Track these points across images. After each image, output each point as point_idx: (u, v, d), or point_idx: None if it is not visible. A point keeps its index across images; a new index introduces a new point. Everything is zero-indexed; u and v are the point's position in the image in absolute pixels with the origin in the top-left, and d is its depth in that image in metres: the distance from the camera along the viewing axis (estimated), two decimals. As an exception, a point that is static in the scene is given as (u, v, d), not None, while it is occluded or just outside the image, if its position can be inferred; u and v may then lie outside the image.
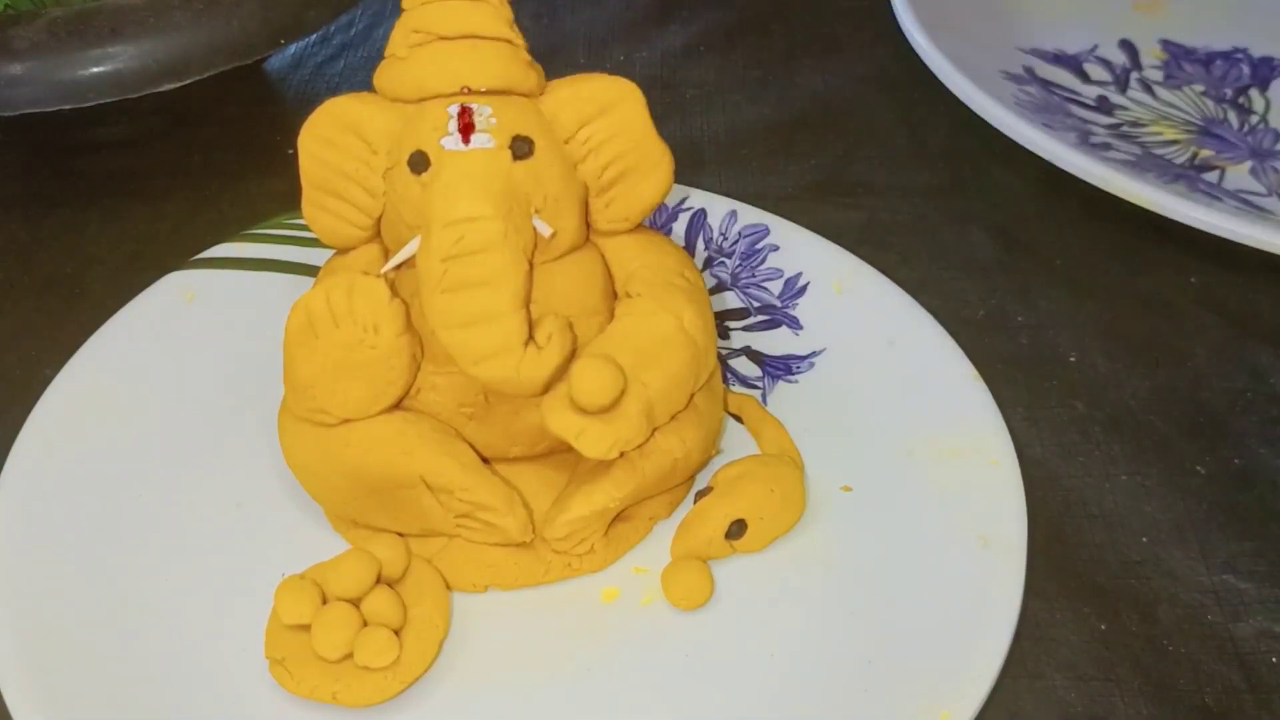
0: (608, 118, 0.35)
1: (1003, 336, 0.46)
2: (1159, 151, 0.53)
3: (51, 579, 0.36)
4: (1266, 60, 0.59)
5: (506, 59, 0.34)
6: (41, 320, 0.47)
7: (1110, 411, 0.43)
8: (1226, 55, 0.60)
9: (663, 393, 0.35)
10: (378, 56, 0.36)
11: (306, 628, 0.34)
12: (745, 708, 0.34)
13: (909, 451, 0.40)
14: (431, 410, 0.36)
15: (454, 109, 0.34)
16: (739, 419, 0.42)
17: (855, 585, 0.36)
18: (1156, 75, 0.59)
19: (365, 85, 0.36)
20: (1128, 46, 0.60)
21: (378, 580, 0.35)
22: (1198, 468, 0.41)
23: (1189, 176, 0.52)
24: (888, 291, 0.44)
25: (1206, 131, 0.55)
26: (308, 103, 0.57)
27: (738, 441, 0.41)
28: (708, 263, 0.47)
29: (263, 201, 0.51)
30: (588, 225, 0.37)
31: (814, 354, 0.43)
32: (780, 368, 0.43)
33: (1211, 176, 0.52)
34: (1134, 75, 0.58)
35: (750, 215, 0.48)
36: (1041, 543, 0.38)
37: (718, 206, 0.48)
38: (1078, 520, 0.40)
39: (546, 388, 0.34)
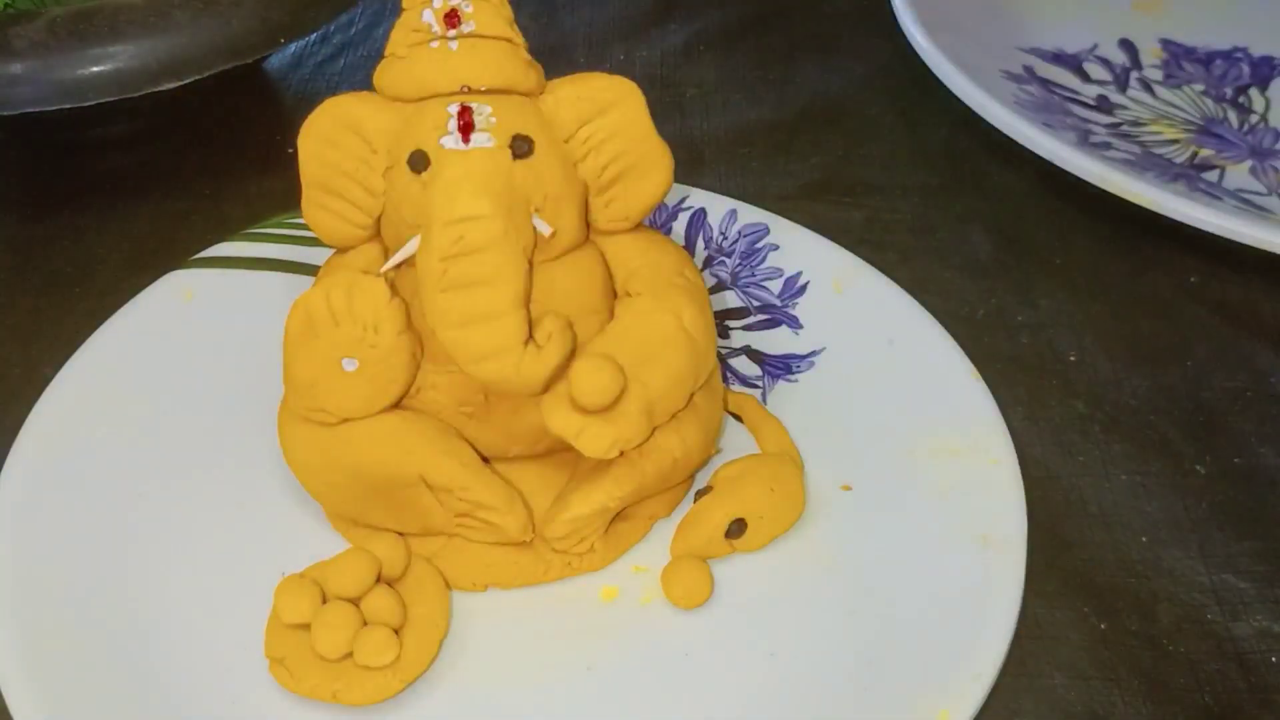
0: (608, 117, 0.35)
1: (1003, 336, 0.46)
2: (1159, 151, 0.53)
3: (51, 579, 0.36)
4: (1266, 59, 0.59)
5: (506, 58, 0.34)
6: (41, 320, 0.47)
7: (1110, 411, 0.43)
8: (1226, 54, 0.60)
9: (663, 392, 0.35)
10: (378, 56, 0.36)
11: (306, 627, 0.34)
12: (745, 707, 0.34)
13: (909, 451, 0.40)
14: (431, 409, 0.36)
15: (454, 108, 0.34)
16: (739, 418, 0.42)
17: (855, 585, 0.36)
18: (1156, 74, 0.59)
19: (365, 84, 0.36)
20: (1128, 46, 0.60)
21: (378, 579, 0.35)
22: (1198, 468, 0.41)
23: (1189, 176, 0.52)
24: (888, 291, 0.44)
25: (1206, 131, 0.55)
26: (308, 102, 0.57)
27: (738, 441, 0.41)
28: (708, 262, 0.47)
29: (263, 201, 0.51)
30: (587, 224, 0.37)
31: (814, 353, 0.43)
32: (780, 367, 0.43)
33: (1211, 176, 0.52)
34: (1134, 74, 0.58)
35: (750, 214, 0.48)
36: (1041, 542, 0.38)
37: (717, 206, 0.48)
38: (1077, 520, 0.40)
39: (546, 387, 0.34)
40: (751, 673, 0.35)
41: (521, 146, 0.34)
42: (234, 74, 0.49)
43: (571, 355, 0.35)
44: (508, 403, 0.36)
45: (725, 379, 0.42)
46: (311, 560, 0.36)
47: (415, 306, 0.35)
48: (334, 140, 0.35)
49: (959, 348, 0.42)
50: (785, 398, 0.42)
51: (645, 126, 0.36)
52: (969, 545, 0.36)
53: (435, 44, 0.34)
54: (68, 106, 0.47)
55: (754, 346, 0.44)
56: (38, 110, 0.47)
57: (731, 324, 0.45)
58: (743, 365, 0.44)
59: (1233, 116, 0.56)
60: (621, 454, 0.34)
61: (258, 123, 0.57)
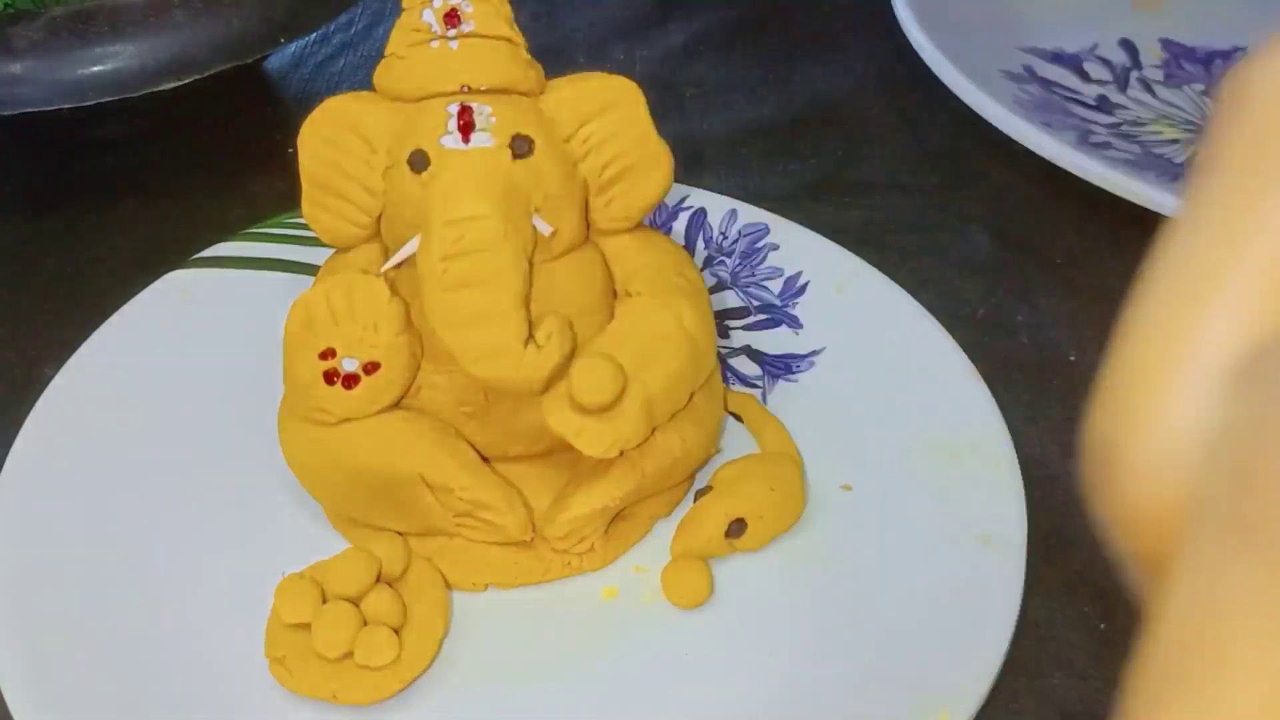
0: (607, 117, 0.35)
1: (1003, 336, 0.46)
2: (1159, 150, 0.53)
3: (51, 579, 0.36)
4: (1266, 60, 0.59)
5: (506, 58, 0.34)
6: (41, 320, 0.47)
7: (1110, 411, 0.43)
8: (1226, 54, 0.60)
9: (663, 391, 0.35)
10: (378, 56, 0.36)
11: (306, 626, 0.34)
12: (745, 708, 0.34)
13: (909, 451, 0.40)
14: (431, 409, 0.36)
15: (454, 108, 0.34)
16: (739, 418, 0.42)
17: (855, 585, 0.36)
18: (1156, 74, 0.59)
19: (365, 84, 0.36)
20: (1128, 46, 0.60)
21: (378, 579, 0.35)
22: (1198, 467, 0.41)
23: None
24: (888, 291, 0.44)
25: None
26: (308, 102, 0.57)
27: (738, 441, 0.41)
28: (708, 262, 0.47)
29: (263, 201, 0.51)
30: (587, 224, 0.37)
31: (814, 353, 0.43)
32: (780, 367, 0.43)
33: (1211, 176, 0.52)
34: (1134, 74, 0.58)
35: (750, 214, 0.48)
36: (1041, 542, 0.38)
37: (717, 205, 0.48)
38: (1078, 519, 0.39)
39: (547, 386, 0.34)
40: (751, 673, 0.35)
41: (521, 146, 0.34)
42: (234, 74, 0.49)
43: (571, 355, 0.35)
44: (507, 402, 0.36)
45: (725, 379, 0.42)
46: (311, 560, 0.36)
47: (415, 306, 0.35)
48: (334, 140, 0.35)
49: (959, 348, 0.42)
50: (785, 398, 0.42)
51: (645, 126, 0.36)
52: (969, 545, 0.36)
53: (435, 44, 0.34)
54: (68, 106, 0.47)
55: (754, 346, 0.44)
56: (38, 110, 0.47)
57: (731, 324, 0.45)
58: (743, 365, 0.43)
59: (1233, 116, 0.56)
60: (621, 454, 0.34)
61: (258, 123, 0.57)
